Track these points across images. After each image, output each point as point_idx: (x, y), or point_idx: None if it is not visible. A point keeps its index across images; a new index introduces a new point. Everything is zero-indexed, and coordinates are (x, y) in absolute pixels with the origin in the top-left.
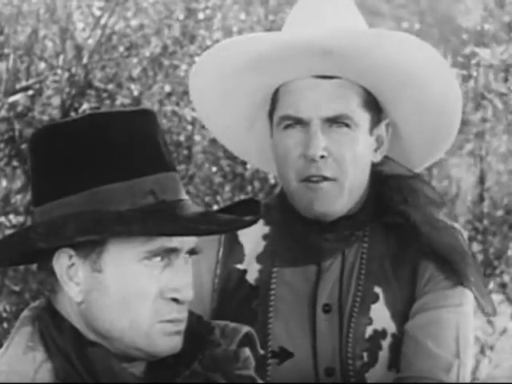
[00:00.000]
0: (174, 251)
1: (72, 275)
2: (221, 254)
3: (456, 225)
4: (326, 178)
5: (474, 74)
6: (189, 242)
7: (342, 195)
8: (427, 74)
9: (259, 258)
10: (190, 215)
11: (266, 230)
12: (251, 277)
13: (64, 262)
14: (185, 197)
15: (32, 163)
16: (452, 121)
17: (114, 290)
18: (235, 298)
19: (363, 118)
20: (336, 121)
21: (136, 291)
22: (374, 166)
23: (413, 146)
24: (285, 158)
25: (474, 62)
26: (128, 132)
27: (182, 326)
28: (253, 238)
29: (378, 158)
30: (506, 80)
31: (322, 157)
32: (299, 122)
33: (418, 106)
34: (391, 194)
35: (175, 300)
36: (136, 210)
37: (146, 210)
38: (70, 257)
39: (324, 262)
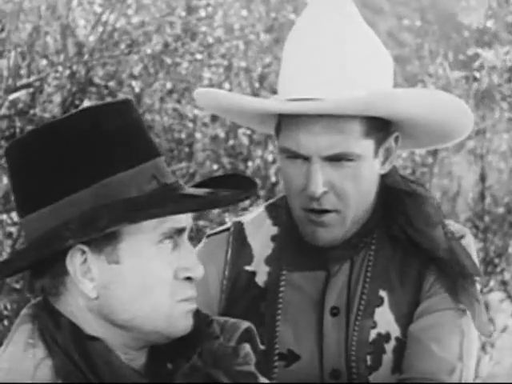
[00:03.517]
0: (182, 231)
1: (85, 271)
2: (229, 255)
3: (462, 230)
4: (328, 211)
5: (477, 75)
6: (189, 221)
7: (344, 225)
8: (438, 106)
9: (268, 260)
10: (202, 193)
11: (275, 230)
12: (260, 279)
13: (77, 260)
14: (176, 179)
15: (19, 170)
16: (465, 129)
17: (134, 279)
18: (243, 299)
19: (366, 146)
20: (336, 158)
21: (155, 276)
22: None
23: (422, 141)
24: (288, 186)
25: (477, 63)
26: (121, 122)
27: (195, 304)
28: (261, 239)
29: (386, 169)
30: (509, 81)
31: (324, 192)
32: (300, 156)
33: (431, 124)
34: (391, 208)
35: (188, 279)
36: (155, 193)
37: (165, 190)
38: (83, 253)
39: (333, 267)
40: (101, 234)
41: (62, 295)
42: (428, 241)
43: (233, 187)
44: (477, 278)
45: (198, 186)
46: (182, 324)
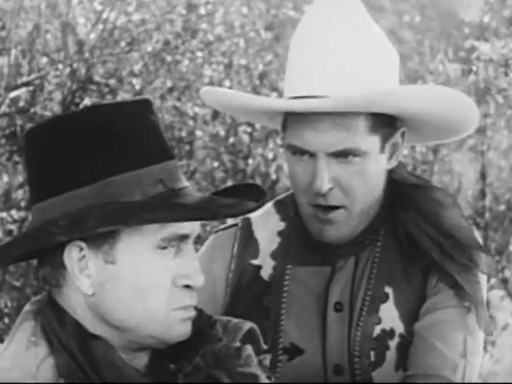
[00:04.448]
0: (185, 238)
1: (82, 268)
2: (236, 249)
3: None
4: (335, 207)
5: (474, 68)
6: (196, 228)
7: (351, 222)
8: (442, 102)
9: (274, 255)
10: (210, 201)
11: (282, 226)
12: (265, 273)
13: (75, 255)
14: (187, 184)
15: (32, 158)
16: (470, 123)
17: (129, 281)
18: (248, 293)
19: (371, 142)
20: (342, 154)
21: (151, 281)
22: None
23: (428, 135)
24: (295, 182)
25: (473, 56)
26: (132, 122)
27: (194, 312)
28: (268, 233)
29: (393, 164)
30: (506, 74)
31: (330, 188)
32: (306, 152)
33: (436, 120)
34: (398, 204)
35: (187, 286)
36: (155, 198)
37: (164, 197)
38: (81, 249)
39: (337, 263)
40: (89, 234)
41: (63, 288)
42: (443, 221)
43: (243, 198)
44: (480, 274)
45: (214, 194)
46: (178, 331)
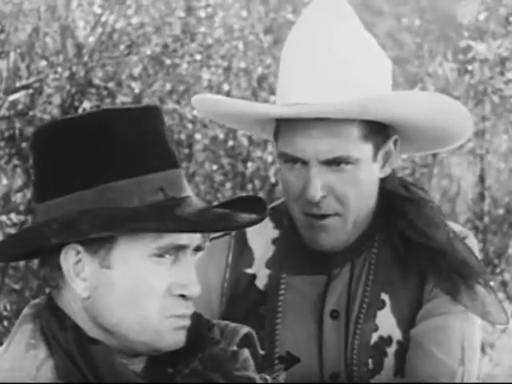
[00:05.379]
0: (182, 248)
1: (79, 271)
2: (230, 257)
3: (464, 232)
4: (328, 215)
5: (469, 68)
6: (196, 238)
7: (345, 228)
8: (432, 108)
9: (268, 264)
10: (204, 213)
11: (276, 234)
12: (260, 282)
13: (71, 258)
14: (190, 193)
15: (37, 158)
16: (464, 131)
17: (123, 287)
18: (243, 302)
19: (364, 150)
20: (334, 162)
21: (145, 288)
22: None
23: (421, 144)
24: (287, 190)
25: (469, 56)
26: (137, 128)
27: (188, 321)
28: (262, 241)
29: (386, 172)
30: (502, 74)
31: (323, 196)
32: (298, 160)
33: (429, 127)
34: (391, 212)
35: (182, 296)
36: (149, 207)
37: (158, 206)
38: (78, 253)
39: (333, 271)
40: (81, 238)
41: (62, 290)
42: (430, 241)
43: (244, 211)
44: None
45: (219, 206)
46: (171, 339)
